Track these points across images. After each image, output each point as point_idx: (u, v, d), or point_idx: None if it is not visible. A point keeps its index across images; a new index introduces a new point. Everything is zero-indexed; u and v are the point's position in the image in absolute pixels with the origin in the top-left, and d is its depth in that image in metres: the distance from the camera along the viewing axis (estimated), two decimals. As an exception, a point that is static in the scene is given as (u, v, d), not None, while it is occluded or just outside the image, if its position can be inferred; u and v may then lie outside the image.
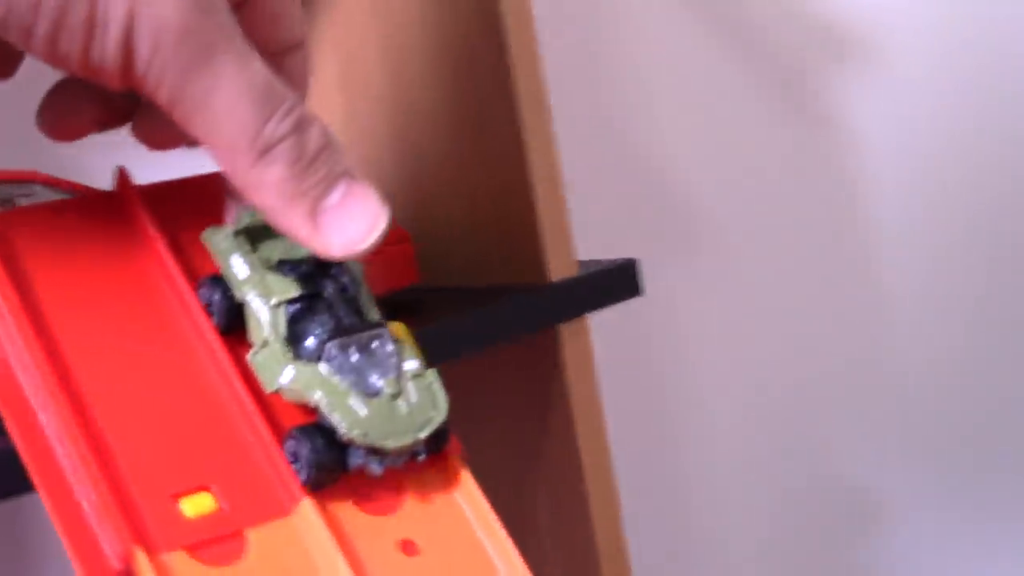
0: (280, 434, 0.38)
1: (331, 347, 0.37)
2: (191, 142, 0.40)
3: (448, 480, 0.39)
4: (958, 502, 1.37)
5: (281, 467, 0.37)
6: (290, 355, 0.37)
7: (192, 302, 0.39)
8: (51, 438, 0.36)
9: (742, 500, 1.19)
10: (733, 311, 1.17)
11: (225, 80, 0.36)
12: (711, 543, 1.17)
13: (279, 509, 0.37)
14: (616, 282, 0.66)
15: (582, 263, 0.68)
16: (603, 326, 0.95)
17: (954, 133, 1.33)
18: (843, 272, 1.27)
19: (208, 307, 0.39)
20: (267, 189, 0.37)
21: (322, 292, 0.39)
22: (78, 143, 0.42)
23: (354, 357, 0.37)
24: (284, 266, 0.39)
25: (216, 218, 0.41)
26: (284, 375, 0.37)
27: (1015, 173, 1.37)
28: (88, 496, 0.35)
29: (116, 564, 0.34)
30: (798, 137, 1.22)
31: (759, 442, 1.20)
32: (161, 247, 0.40)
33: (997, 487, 1.38)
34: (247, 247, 0.39)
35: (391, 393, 0.37)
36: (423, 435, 0.37)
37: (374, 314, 0.39)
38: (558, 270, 0.65)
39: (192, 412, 0.38)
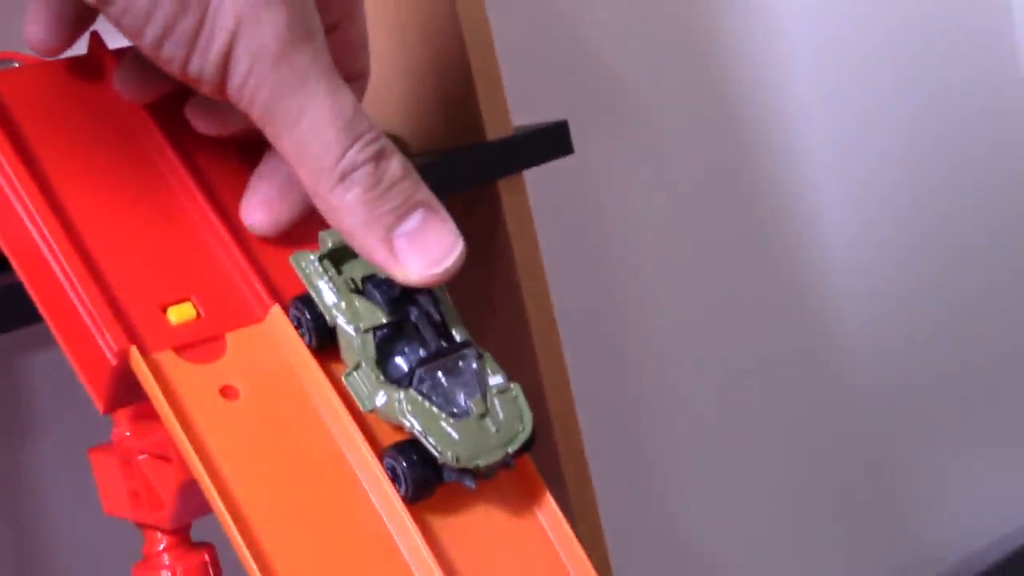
0: (250, 253, 0.43)
1: (420, 372, 0.39)
2: (242, 135, 0.42)
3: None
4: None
5: (252, 280, 0.43)
6: (381, 379, 0.39)
7: (165, 146, 0.44)
8: (48, 259, 0.39)
9: (676, 346, 1.22)
10: (659, 179, 1.20)
11: (315, 105, 0.38)
12: (650, 382, 1.20)
13: (252, 316, 0.41)
14: (549, 141, 0.72)
15: (517, 127, 0.74)
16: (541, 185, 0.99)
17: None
18: (763, 160, 1.29)
19: (299, 327, 0.40)
20: (345, 212, 0.38)
21: (409, 316, 0.40)
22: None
23: (442, 380, 0.39)
24: (369, 284, 0.40)
25: None
26: (378, 398, 0.39)
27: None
28: (85, 303, 0.39)
29: (113, 360, 0.38)
30: (725, 21, 1.25)
31: (691, 294, 1.23)
32: None
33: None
34: (332, 271, 0.40)
35: (479, 413, 0.39)
36: (511, 450, 0.39)
37: (460, 333, 0.40)
38: (495, 132, 0.71)
39: (172, 236, 0.42)
